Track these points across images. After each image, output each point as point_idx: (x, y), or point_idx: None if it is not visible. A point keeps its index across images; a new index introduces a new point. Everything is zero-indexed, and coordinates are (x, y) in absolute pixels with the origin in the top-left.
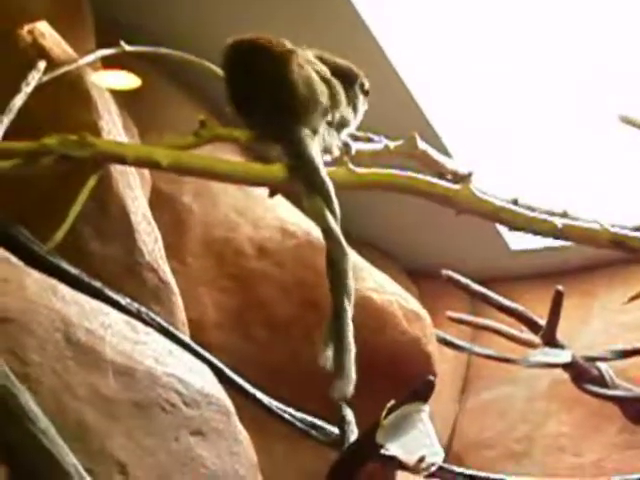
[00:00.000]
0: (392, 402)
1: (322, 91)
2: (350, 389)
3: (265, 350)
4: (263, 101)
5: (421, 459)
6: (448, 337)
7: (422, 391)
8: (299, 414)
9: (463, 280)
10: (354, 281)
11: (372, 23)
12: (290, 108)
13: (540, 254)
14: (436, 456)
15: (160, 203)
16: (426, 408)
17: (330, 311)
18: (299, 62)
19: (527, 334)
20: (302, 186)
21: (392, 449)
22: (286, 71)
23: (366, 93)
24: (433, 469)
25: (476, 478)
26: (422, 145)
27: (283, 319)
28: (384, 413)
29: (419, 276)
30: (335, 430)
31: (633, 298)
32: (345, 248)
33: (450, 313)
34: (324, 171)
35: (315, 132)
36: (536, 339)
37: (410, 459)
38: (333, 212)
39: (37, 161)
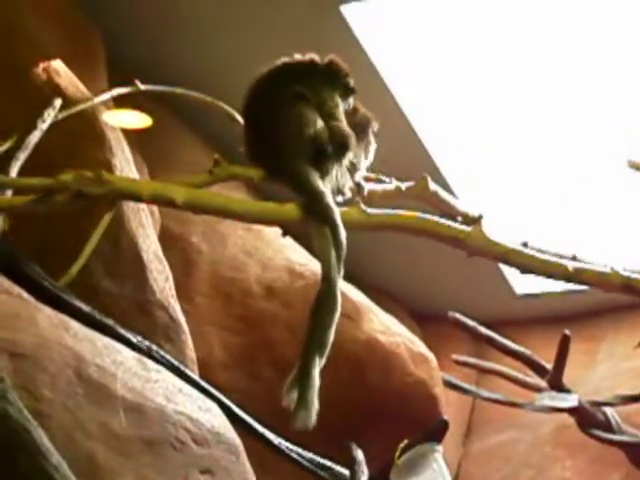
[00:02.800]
0: (405, 442)
1: (316, 129)
2: (312, 419)
3: (272, 390)
4: (264, 141)
5: None
6: (454, 380)
7: (436, 431)
8: (308, 454)
9: (470, 323)
10: (358, 324)
11: (383, 69)
12: (284, 146)
13: (545, 299)
14: None
15: (169, 243)
16: (440, 448)
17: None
18: (296, 101)
19: (533, 378)
20: (312, 221)
21: None
22: (278, 111)
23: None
24: None
25: None
26: (433, 187)
27: (290, 359)
28: (398, 453)
29: (423, 319)
30: (343, 471)
31: None
32: (337, 302)
33: (456, 356)
34: (331, 199)
35: (323, 171)
36: (542, 383)
37: None
38: (339, 247)
39: (52, 198)
